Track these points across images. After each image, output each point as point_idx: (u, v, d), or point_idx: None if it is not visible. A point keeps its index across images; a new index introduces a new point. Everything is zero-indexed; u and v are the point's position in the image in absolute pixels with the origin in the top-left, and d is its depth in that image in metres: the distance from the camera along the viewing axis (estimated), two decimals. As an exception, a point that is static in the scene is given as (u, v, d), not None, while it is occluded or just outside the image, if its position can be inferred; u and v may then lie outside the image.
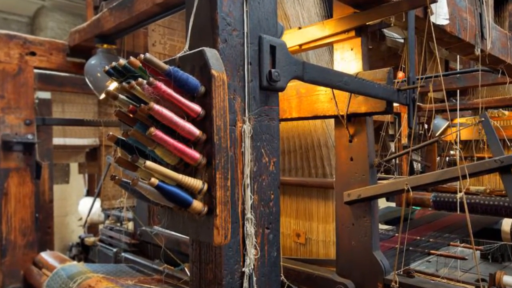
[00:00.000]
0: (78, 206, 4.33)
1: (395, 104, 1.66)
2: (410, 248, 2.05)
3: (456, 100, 4.08)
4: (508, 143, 3.77)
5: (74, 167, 4.50)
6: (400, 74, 2.11)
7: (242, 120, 0.96)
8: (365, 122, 1.66)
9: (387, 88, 1.51)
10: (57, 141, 3.74)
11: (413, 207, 3.66)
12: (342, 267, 1.72)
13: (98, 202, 3.57)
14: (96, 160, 4.02)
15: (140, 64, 0.83)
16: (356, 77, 1.39)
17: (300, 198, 2.10)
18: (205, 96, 0.85)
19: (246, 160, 0.97)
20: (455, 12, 1.91)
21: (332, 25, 1.73)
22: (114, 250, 2.85)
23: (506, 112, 4.19)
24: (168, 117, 0.81)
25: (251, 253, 0.98)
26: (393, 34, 3.73)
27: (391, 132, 4.87)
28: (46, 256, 2.46)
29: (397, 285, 1.50)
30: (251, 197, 0.97)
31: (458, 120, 4.17)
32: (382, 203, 3.84)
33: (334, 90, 1.63)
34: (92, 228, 4.02)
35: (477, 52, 2.10)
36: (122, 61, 0.87)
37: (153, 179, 0.80)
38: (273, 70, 1.01)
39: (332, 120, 1.83)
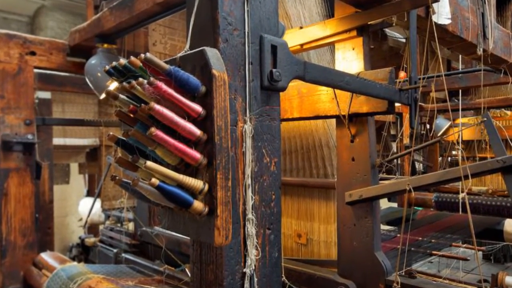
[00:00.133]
0: (78, 207, 4.34)
1: (397, 104, 1.65)
2: (412, 248, 2.04)
3: (458, 100, 4.06)
4: (511, 143, 3.76)
5: (74, 167, 4.50)
6: (402, 74, 2.10)
7: (243, 120, 0.96)
8: (367, 122, 1.66)
9: (388, 88, 1.51)
10: (57, 141, 3.74)
11: (415, 207, 3.65)
12: (343, 268, 1.71)
13: (98, 203, 3.57)
14: (97, 160, 4.02)
15: (141, 64, 0.83)
16: (357, 77, 1.38)
17: (301, 199, 2.09)
18: (206, 96, 0.85)
19: (247, 160, 0.96)
20: (457, 11, 1.90)
21: (334, 24, 1.72)
22: (115, 250, 2.85)
23: (508, 112, 4.17)
24: (168, 117, 0.80)
25: (252, 254, 0.97)
26: (394, 34, 3.72)
27: (393, 132, 4.86)
28: (46, 256, 2.46)
29: (399, 286, 1.49)
30: (252, 197, 0.97)
31: (460, 120, 4.16)
32: (384, 203, 3.83)
33: (335, 90, 1.62)
34: (92, 228, 4.02)
35: (479, 51, 2.09)
36: (123, 61, 0.87)
37: (153, 180, 0.79)
38: (274, 70, 1.00)
39: (334, 120, 1.82)
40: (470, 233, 1.45)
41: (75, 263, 2.34)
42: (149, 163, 0.80)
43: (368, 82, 1.40)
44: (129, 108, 0.89)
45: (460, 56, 3.74)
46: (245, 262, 0.97)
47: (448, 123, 4.52)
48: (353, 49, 1.73)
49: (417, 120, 1.64)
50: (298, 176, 2.12)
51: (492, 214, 3.18)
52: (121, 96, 0.90)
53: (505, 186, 1.52)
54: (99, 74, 2.32)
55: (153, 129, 0.79)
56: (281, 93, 1.08)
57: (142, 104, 0.83)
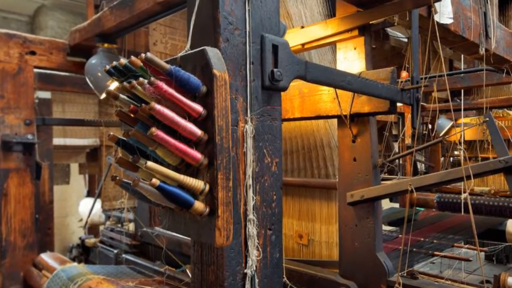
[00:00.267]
0: (79, 207, 4.34)
1: (398, 104, 1.65)
2: (414, 249, 2.03)
3: (460, 100, 4.05)
4: (513, 143, 3.74)
5: (74, 167, 4.50)
6: (404, 74, 2.09)
7: (244, 120, 0.96)
8: (369, 122, 1.65)
9: (390, 87, 1.50)
10: (57, 141, 3.73)
11: (417, 208, 3.64)
12: (345, 269, 1.70)
13: (98, 203, 3.56)
14: (97, 160, 4.02)
15: (141, 64, 0.83)
16: (359, 76, 1.38)
17: (302, 199, 2.09)
18: (207, 96, 0.84)
19: (248, 161, 0.96)
20: (459, 11, 1.89)
21: (335, 24, 1.72)
22: (115, 251, 2.85)
23: (511, 112, 4.16)
24: (169, 117, 0.80)
25: (253, 255, 0.97)
26: (396, 33, 3.71)
27: (394, 132, 4.85)
28: (46, 257, 2.45)
29: (401, 287, 1.49)
30: (253, 198, 0.97)
31: (462, 120, 4.15)
32: (386, 204, 3.82)
33: (337, 89, 1.62)
34: (92, 229, 4.01)
35: (482, 51, 2.08)
36: (123, 61, 0.86)
37: (154, 180, 0.79)
38: (275, 70, 1.00)
39: (335, 120, 1.82)
40: (472, 234, 1.44)
41: (75, 264, 2.33)
42: (150, 163, 0.79)
43: (369, 82, 1.39)
44: (129, 108, 0.89)
45: (462, 55, 3.73)
46: (246, 263, 0.97)
47: (450, 123, 4.51)
48: (355, 48, 1.72)
49: (419, 120, 1.63)
50: (300, 176, 2.12)
51: (494, 215, 3.17)
52: (122, 96, 0.90)
53: (508, 186, 1.51)
54: (99, 74, 2.31)
55: (153, 129, 0.78)
56: (282, 93, 1.07)
57: (143, 104, 0.82)
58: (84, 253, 3.58)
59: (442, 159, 4.76)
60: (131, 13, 2.01)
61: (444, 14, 1.76)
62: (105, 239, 3.20)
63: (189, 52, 0.91)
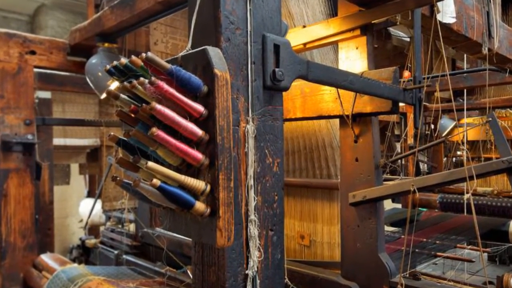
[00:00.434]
0: (79, 208, 4.34)
1: (401, 104, 1.64)
2: (416, 250, 2.02)
3: (463, 99, 4.04)
4: (516, 144, 3.72)
5: (74, 168, 4.50)
6: (406, 73, 2.08)
7: (246, 120, 0.95)
8: (371, 122, 1.65)
9: (393, 87, 1.49)
10: (57, 141, 3.73)
11: (419, 208, 3.62)
12: (347, 270, 1.70)
13: (99, 204, 3.56)
14: (97, 160, 4.01)
15: (142, 63, 0.82)
16: (361, 76, 1.37)
17: (304, 200, 2.08)
18: (208, 95, 0.84)
19: (250, 161, 0.95)
20: (462, 10, 1.88)
21: (337, 23, 1.71)
22: (115, 252, 2.84)
23: (514, 112, 4.14)
24: (170, 117, 0.80)
25: (255, 255, 0.96)
26: (399, 33, 3.70)
27: (397, 132, 4.83)
28: (46, 258, 2.45)
29: (403, 288, 1.48)
30: (254, 198, 0.96)
31: (465, 120, 4.13)
32: (388, 204, 3.81)
33: (339, 89, 1.61)
34: (93, 230, 4.01)
35: (485, 51, 2.07)
36: (124, 60, 0.86)
37: (155, 180, 0.78)
38: (277, 70, 0.99)
39: (337, 120, 1.81)
40: (475, 235, 1.43)
41: (75, 264, 2.33)
42: (151, 164, 0.79)
43: (372, 82, 1.38)
44: (130, 108, 0.89)
45: (465, 55, 3.71)
46: (247, 263, 0.96)
47: (453, 123, 4.49)
48: (357, 48, 1.72)
49: (422, 120, 1.62)
50: (301, 176, 2.11)
51: (497, 215, 3.16)
52: (122, 95, 0.89)
53: (510, 186, 1.50)
54: (99, 74, 2.31)
55: (154, 129, 0.78)
56: (284, 93, 1.07)
57: (144, 104, 0.82)
58: (84, 254, 3.58)
59: (444, 159, 4.75)
60: (132, 12, 2.01)
61: (447, 13, 1.75)
62: (106, 240, 3.19)
63: (190, 51, 0.90)
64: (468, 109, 4.11)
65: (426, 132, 4.28)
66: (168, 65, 0.82)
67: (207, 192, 0.83)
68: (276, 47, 1.01)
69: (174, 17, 2.50)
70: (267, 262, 1.01)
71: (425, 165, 4.67)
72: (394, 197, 3.37)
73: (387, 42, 3.60)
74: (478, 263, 2.14)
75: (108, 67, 0.89)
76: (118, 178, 0.89)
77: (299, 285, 1.70)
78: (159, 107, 0.78)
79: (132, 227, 3.11)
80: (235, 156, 0.92)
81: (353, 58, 1.73)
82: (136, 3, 1.97)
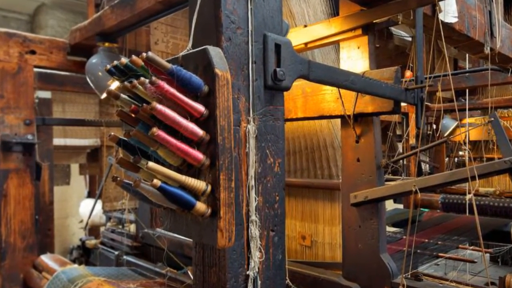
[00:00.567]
0: (79, 208, 4.33)
1: (402, 104, 1.63)
2: (418, 250, 2.02)
3: (465, 99, 4.02)
4: (518, 144, 3.70)
5: (74, 168, 4.49)
6: (408, 73, 2.08)
7: (247, 120, 0.95)
8: (372, 122, 1.64)
9: (394, 87, 1.49)
10: (57, 141, 3.72)
11: (421, 209, 3.62)
12: (348, 270, 1.69)
13: (99, 204, 3.55)
14: (97, 161, 4.00)
15: (143, 63, 0.82)
16: (363, 76, 1.37)
17: (305, 200, 2.07)
18: (209, 95, 0.83)
19: (251, 161, 0.95)
20: (464, 9, 1.87)
21: (339, 23, 1.70)
22: (116, 253, 2.83)
23: (516, 112, 4.12)
24: (171, 117, 0.79)
25: (256, 256, 0.96)
26: (400, 32, 3.69)
27: (398, 132, 4.82)
28: (46, 259, 2.44)
29: (405, 289, 1.47)
30: (255, 198, 0.95)
31: (467, 120, 4.12)
32: (390, 205, 3.80)
33: (340, 89, 1.60)
34: (93, 230, 4.00)
35: (487, 50, 2.07)
36: (124, 60, 0.86)
37: (155, 181, 0.78)
38: (278, 69, 0.99)
39: (339, 120, 1.81)
40: (477, 235, 1.43)
41: (75, 265, 2.31)
42: (151, 164, 0.79)
43: (373, 82, 1.38)
44: (130, 108, 0.88)
45: (467, 55, 3.70)
46: (248, 264, 0.96)
47: (455, 123, 4.48)
48: (358, 48, 1.71)
49: (423, 120, 1.62)
50: (302, 177, 2.11)
51: (499, 216, 3.15)
52: (123, 95, 0.89)
53: (514, 187, 1.50)
54: (100, 73, 2.30)
55: (155, 129, 0.77)
56: (285, 93, 1.06)
57: (144, 104, 0.82)
58: (84, 255, 3.57)
59: (446, 159, 4.73)
60: (132, 12, 2.00)
61: (449, 13, 1.74)
62: (106, 240, 3.18)
63: (190, 51, 0.90)
64: (470, 109, 4.10)
65: (428, 132, 4.27)
66: (169, 65, 0.81)
67: (208, 193, 0.83)
68: (277, 47, 1.00)
69: (174, 17, 2.49)
70: (268, 263, 1.00)
71: (427, 165, 4.65)
72: (396, 198, 3.36)
73: (389, 41, 3.58)
74: (480, 264, 2.13)
75: (108, 66, 0.88)
76: (118, 179, 0.89)
77: (300, 286, 1.69)
78: (159, 107, 0.78)
79: (132, 228, 3.11)
80: (236, 156, 0.91)
81: (355, 58, 1.73)
82: (137, 2, 1.97)
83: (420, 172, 4.24)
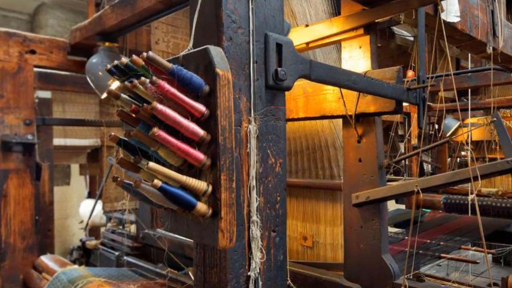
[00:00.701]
0: (79, 209, 4.32)
1: (404, 104, 1.62)
2: (420, 251, 2.01)
3: (468, 99, 4.01)
4: (521, 144, 3.68)
5: (75, 168, 4.48)
6: (410, 73, 2.07)
7: (248, 120, 0.94)
8: (374, 122, 1.63)
9: (396, 87, 1.48)
10: (57, 141, 3.71)
11: (423, 209, 3.61)
12: (350, 271, 1.68)
13: (99, 204, 3.54)
14: (98, 161, 3.99)
15: (143, 63, 0.82)
16: (364, 76, 1.36)
17: (307, 200, 2.07)
18: (210, 95, 0.83)
19: (252, 161, 0.94)
20: (466, 9, 1.87)
21: (340, 22, 1.70)
22: (116, 253, 2.82)
23: (519, 112, 4.11)
24: (171, 117, 0.79)
25: (257, 257, 0.95)
26: (402, 32, 3.68)
27: (400, 132, 4.81)
28: (46, 259, 2.43)
29: (407, 290, 1.46)
30: (256, 199, 0.95)
31: (470, 120, 4.11)
32: (391, 205, 3.79)
33: (342, 89, 1.60)
34: (93, 231, 3.99)
35: (489, 50, 2.06)
36: (125, 60, 0.86)
37: (156, 181, 0.78)
38: (279, 69, 0.99)
39: (340, 120, 1.80)
40: (480, 236, 1.42)
41: (76, 266, 2.30)
42: (152, 164, 0.78)
43: (375, 81, 1.37)
44: (131, 107, 0.88)
45: (470, 54, 3.69)
46: (249, 265, 0.95)
47: (457, 123, 4.46)
48: (360, 47, 1.71)
49: (426, 120, 1.61)
50: (304, 177, 2.10)
51: (502, 216, 3.14)
52: (123, 95, 0.89)
53: (516, 187, 1.49)
54: (100, 73, 2.29)
55: (155, 129, 0.77)
56: (286, 93, 1.06)
57: (145, 104, 0.82)
58: (84, 255, 3.55)
59: (449, 159, 4.72)
60: (133, 11, 2.00)
61: (451, 12, 1.74)
62: (106, 241, 3.18)
63: (191, 51, 0.89)
64: (472, 109, 4.08)
65: (430, 132, 4.26)
66: (170, 65, 0.81)
67: (208, 193, 0.82)
68: (279, 46, 1.00)
69: (175, 16, 2.49)
70: (269, 264, 1.00)
71: (429, 165, 4.64)
72: (398, 198, 3.35)
73: (391, 41, 3.58)
74: (483, 265, 2.12)
75: (109, 66, 0.88)
76: (119, 179, 0.89)
77: (301, 286, 1.69)
78: (160, 107, 0.77)
79: (133, 228, 3.10)
80: (237, 157, 0.91)
81: (356, 58, 1.72)
82: (137, 1, 1.96)
83: (422, 173, 4.23)
